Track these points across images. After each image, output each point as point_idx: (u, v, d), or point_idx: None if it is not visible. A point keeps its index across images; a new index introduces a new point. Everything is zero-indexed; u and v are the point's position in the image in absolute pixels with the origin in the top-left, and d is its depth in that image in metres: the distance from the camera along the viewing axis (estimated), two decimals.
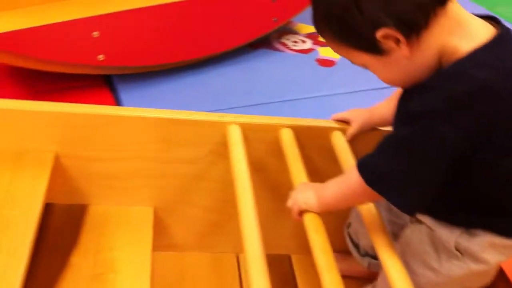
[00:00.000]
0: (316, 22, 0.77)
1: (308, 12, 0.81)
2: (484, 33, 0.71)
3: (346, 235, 1.05)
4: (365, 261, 1.02)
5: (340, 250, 1.00)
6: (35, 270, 0.86)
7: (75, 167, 0.99)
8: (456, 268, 0.82)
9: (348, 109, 1.01)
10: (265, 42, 2.08)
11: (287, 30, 2.19)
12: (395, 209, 0.80)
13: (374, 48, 0.73)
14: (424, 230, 0.84)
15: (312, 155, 1.00)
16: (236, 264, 1.13)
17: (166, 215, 1.07)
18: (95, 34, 1.67)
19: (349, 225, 1.05)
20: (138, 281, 0.90)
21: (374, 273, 1.00)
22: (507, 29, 0.74)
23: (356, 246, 1.04)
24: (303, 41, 2.17)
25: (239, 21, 1.93)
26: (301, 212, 0.84)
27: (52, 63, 1.68)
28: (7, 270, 0.76)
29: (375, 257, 0.98)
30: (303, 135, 1.00)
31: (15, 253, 0.78)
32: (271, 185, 1.05)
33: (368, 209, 0.85)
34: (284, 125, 1.00)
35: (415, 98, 0.71)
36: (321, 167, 0.99)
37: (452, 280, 0.83)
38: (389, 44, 0.71)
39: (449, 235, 0.81)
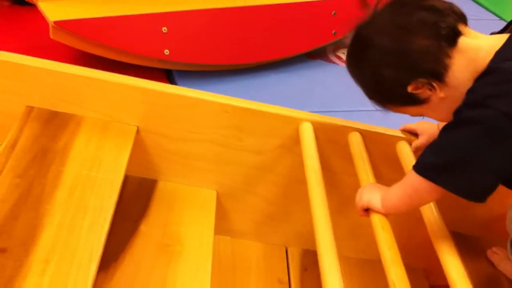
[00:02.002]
0: (367, 96, 0.90)
1: None
2: (498, 37, 0.80)
3: (510, 246, 1.05)
4: None
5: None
6: (110, 234, 0.92)
7: (152, 142, 1.05)
8: None
9: (418, 122, 1.06)
10: (321, 54, 2.14)
11: (342, 44, 2.24)
12: None
13: (415, 100, 0.84)
14: None
15: (377, 161, 1.04)
16: (285, 256, 1.17)
17: (227, 200, 1.12)
18: (164, 29, 1.75)
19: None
20: (202, 258, 0.96)
21: None
22: None
23: None
24: None
25: (300, 30, 1.99)
26: (366, 210, 0.89)
27: (122, 52, 1.76)
28: (93, 226, 0.81)
29: None
30: (370, 141, 1.04)
31: (101, 212, 0.84)
32: (334, 185, 1.09)
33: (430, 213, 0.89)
34: (354, 129, 1.05)
35: (468, 91, 0.77)
36: (385, 173, 1.03)
37: None
38: (424, 92, 0.82)
39: None
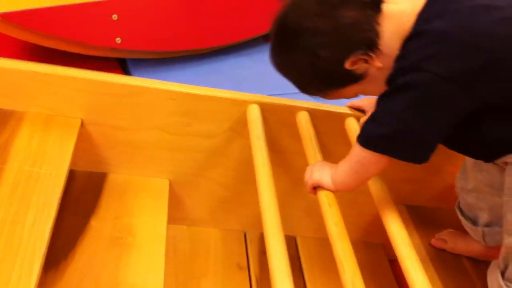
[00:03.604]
0: (304, 90, 0.89)
1: None
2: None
3: (458, 212, 1.07)
4: (479, 231, 1.03)
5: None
6: (57, 230, 0.90)
7: (99, 134, 1.03)
8: None
9: (362, 98, 1.05)
10: None
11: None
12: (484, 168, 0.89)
13: (354, 77, 0.83)
14: (494, 170, 0.88)
15: (327, 139, 1.04)
16: (243, 241, 1.17)
17: (181, 188, 1.11)
18: (114, 17, 1.71)
19: (458, 203, 1.07)
20: (155, 247, 0.94)
21: (492, 253, 1.01)
22: None
23: (469, 218, 1.05)
24: None
25: (254, 13, 1.97)
26: (315, 188, 0.89)
27: (71, 42, 1.72)
28: (36, 223, 0.79)
29: (488, 224, 1.01)
30: (319, 119, 1.04)
31: (44, 209, 0.81)
32: (285, 166, 1.09)
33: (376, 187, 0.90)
34: (302, 108, 1.04)
35: (398, 58, 0.78)
36: (335, 150, 1.03)
37: None
38: (362, 66, 0.81)
39: None
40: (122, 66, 1.89)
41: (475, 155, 0.90)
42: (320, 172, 0.88)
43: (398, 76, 0.77)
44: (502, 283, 0.92)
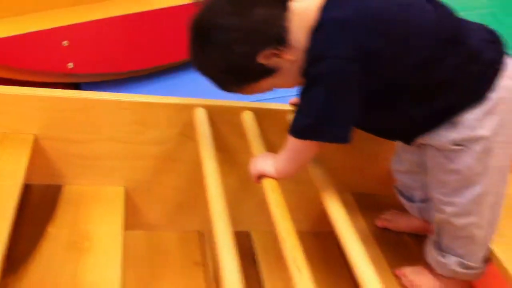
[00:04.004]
0: (223, 87, 0.94)
1: None
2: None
3: (396, 192, 1.13)
4: (415, 208, 1.10)
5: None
6: (16, 238, 0.93)
7: (52, 148, 1.07)
8: (469, 157, 0.88)
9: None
10: None
11: None
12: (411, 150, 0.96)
13: (268, 71, 0.89)
14: (430, 149, 0.93)
15: (271, 134, 1.10)
16: (200, 241, 1.21)
17: (137, 195, 1.15)
18: (65, 43, 1.76)
19: (396, 184, 1.13)
20: (112, 251, 0.97)
21: (430, 227, 1.06)
22: None
23: (406, 197, 1.12)
24: None
25: None
26: (260, 177, 0.95)
27: (23, 71, 1.76)
28: None
29: (423, 200, 1.08)
30: (262, 117, 1.10)
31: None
32: (235, 164, 1.14)
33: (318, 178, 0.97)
34: (246, 108, 1.10)
35: (308, 50, 0.85)
36: (279, 144, 1.07)
37: (476, 171, 0.90)
38: (274, 60, 0.87)
39: (442, 139, 0.89)
40: (76, 89, 1.93)
41: (394, 138, 0.98)
42: (263, 162, 0.94)
43: (310, 68, 0.84)
44: (435, 253, 1.00)
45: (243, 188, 1.13)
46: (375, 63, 0.83)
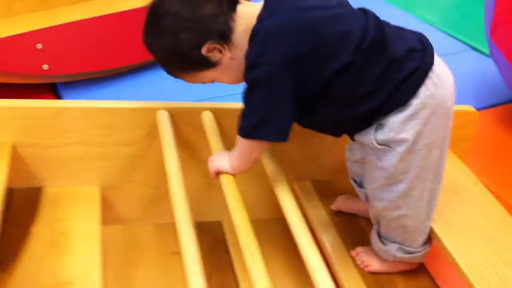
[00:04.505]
0: (167, 70, 1.04)
1: None
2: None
3: (351, 180, 1.23)
4: (363, 192, 1.19)
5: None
6: (2, 240, 1.03)
7: (29, 154, 1.16)
8: (393, 157, 0.99)
9: None
10: None
11: None
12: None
13: (209, 63, 0.98)
14: (365, 146, 1.04)
15: (230, 131, 1.19)
16: (175, 231, 1.32)
17: (111, 193, 1.25)
18: (39, 46, 1.83)
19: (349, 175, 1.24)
20: (89, 245, 1.07)
21: None
22: None
23: (357, 183, 1.21)
24: None
25: None
26: (218, 173, 1.05)
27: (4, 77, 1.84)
28: None
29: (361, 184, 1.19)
30: (222, 117, 1.20)
31: None
32: (198, 161, 1.24)
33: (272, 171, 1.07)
34: (206, 108, 1.20)
35: (245, 57, 0.95)
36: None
37: (399, 170, 1.00)
38: (216, 55, 0.97)
39: (369, 138, 1.00)
40: (53, 89, 2.01)
41: (336, 135, 1.08)
42: (219, 159, 1.05)
43: (248, 74, 0.94)
44: (377, 241, 1.12)
45: (211, 182, 1.22)
46: (302, 69, 0.93)
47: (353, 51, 0.93)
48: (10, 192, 1.13)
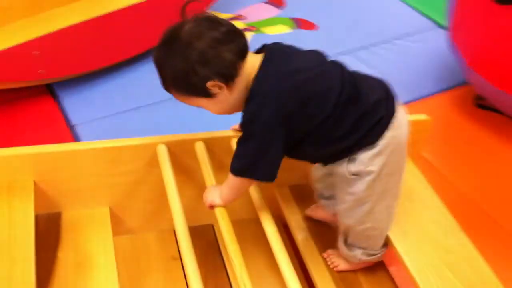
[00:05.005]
0: (165, 85, 1.19)
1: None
2: (259, 61, 1.16)
3: (315, 194, 1.46)
4: (324, 202, 1.44)
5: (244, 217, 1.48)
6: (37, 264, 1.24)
7: (49, 187, 1.37)
8: (361, 185, 1.21)
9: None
10: None
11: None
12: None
13: (207, 94, 1.16)
14: (335, 174, 1.26)
15: (221, 157, 1.41)
16: (173, 236, 1.55)
17: (118, 209, 1.47)
18: (35, 53, 1.98)
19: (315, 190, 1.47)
20: (107, 262, 1.30)
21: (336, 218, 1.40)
22: (269, 49, 1.19)
23: (321, 196, 1.45)
24: None
25: (156, 25, 2.25)
26: (212, 206, 1.28)
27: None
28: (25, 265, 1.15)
29: (328, 198, 1.41)
30: (212, 144, 1.41)
31: (24, 261, 1.17)
32: (194, 180, 1.46)
33: (256, 198, 1.30)
34: (198, 139, 1.41)
35: (244, 112, 1.16)
36: (227, 164, 1.39)
37: (366, 194, 1.23)
38: (216, 90, 1.15)
39: (343, 169, 1.22)
40: (47, 86, 2.17)
41: (309, 162, 1.32)
42: (212, 195, 1.27)
43: (245, 127, 1.16)
44: (344, 248, 1.36)
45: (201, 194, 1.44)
46: (292, 123, 1.14)
47: (333, 105, 1.15)
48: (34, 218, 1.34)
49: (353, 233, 1.33)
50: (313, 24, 2.68)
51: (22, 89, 2.11)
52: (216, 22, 1.15)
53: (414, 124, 1.56)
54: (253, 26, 2.63)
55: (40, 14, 2.11)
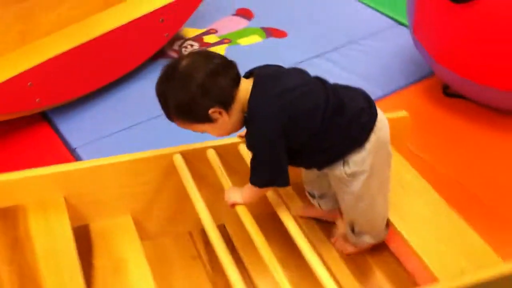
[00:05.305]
0: (168, 115, 1.33)
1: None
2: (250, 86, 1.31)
3: (307, 194, 1.62)
4: (316, 202, 1.61)
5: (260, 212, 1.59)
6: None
7: (77, 201, 1.49)
8: (358, 183, 1.37)
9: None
10: (160, 53, 2.55)
11: (175, 37, 2.66)
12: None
13: (208, 120, 1.32)
14: (332, 176, 1.42)
15: (231, 162, 1.55)
16: (193, 239, 1.68)
17: (140, 216, 1.59)
18: (30, 84, 2.08)
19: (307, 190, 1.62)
20: (141, 264, 1.43)
21: (329, 214, 1.61)
22: (257, 75, 1.34)
23: (312, 196, 1.61)
24: (191, 45, 2.68)
25: (138, 45, 2.40)
26: (233, 205, 1.42)
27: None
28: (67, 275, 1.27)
29: (321, 196, 1.58)
30: (222, 150, 1.55)
31: (71, 270, 1.29)
32: (211, 184, 1.57)
33: (272, 197, 1.46)
34: (209, 147, 1.55)
35: (247, 137, 1.34)
36: (237, 167, 1.54)
37: (363, 191, 1.39)
38: (216, 115, 1.31)
39: (339, 171, 1.37)
40: (42, 115, 2.26)
41: (305, 168, 1.49)
42: (234, 195, 1.41)
43: (253, 147, 1.32)
44: (352, 237, 1.52)
45: (216, 196, 1.54)
46: (289, 136, 1.30)
47: (321, 120, 1.31)
48: None
49: (358, 223, 1.50)
50: (283, 32, 2.84)
51: (18, 120, 2.19)
52: (210, 56, 1.32)
53: (396, 121, 1.76)
54: (227, 39, 2.76)
55: (27, 45, 2.20)
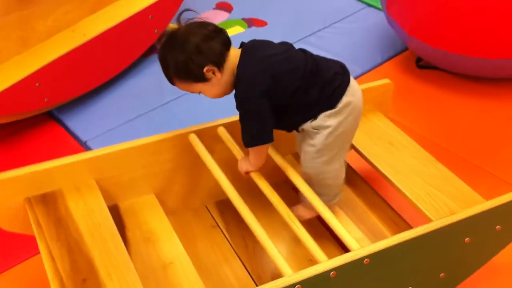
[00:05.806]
0: (169, 77, 1.51)
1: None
2: (239, 52, 1.50)
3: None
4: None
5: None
6: None
7: (106, 182, 1.65)
8: (320, 137, 1.51)
9: None
10: (153, 49, 2.72)
11: (164, 34, 2.80)
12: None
13: (203, 79, 1.51)
14: (301, 132, 1.59)
15: (239, 138, 1.72)
16: (207, 210, 1.86)
17: (161, 195, 1.76)
18: (38, 84, 2.23)
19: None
20: (170, 234, 1.61)
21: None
22: (246, 44, 1.54)
23: None
24: None
25: (132, 42, 2.56)
26: (246, 173, 1.60)
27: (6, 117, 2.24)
28: (118, 248, 1.44)
29: None
30: (231, 127, 1.73)
31: (114, 240, 1.46)
32: (226, 158, 1.72)
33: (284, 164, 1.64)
34: (219, 125, 1.72)
35: (236, 96, 1.49)
36: None
37: (324, 145, 1.53)
38: (210, 74, 1.50)
39: (307, 125, 1.52)
40: (48, 114, 2.42)
41: (290, 130, 1.62)
42: (244, 164, 1.59)
43: (240, 106, 1.49)
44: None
45: (229, 168, 1.70)
46: (272, 94, 1.48)
47: (300, 77, 1.50)
48: None
49: (313, 183, 1.59)
50: (263, 21, 3.03)
51: (27, 120, 2.34)
52: (204, 24, 1.51)
53: (381, 88, 1.95)
54: None
55: (28, 50, 2.34)
